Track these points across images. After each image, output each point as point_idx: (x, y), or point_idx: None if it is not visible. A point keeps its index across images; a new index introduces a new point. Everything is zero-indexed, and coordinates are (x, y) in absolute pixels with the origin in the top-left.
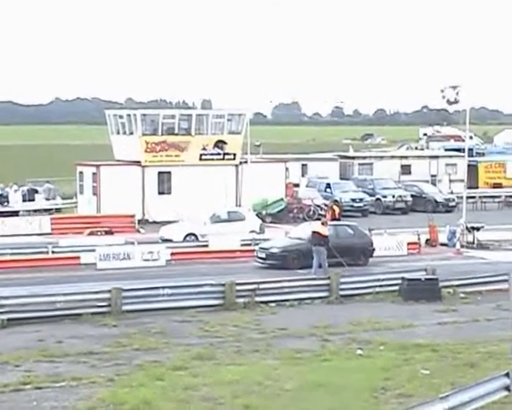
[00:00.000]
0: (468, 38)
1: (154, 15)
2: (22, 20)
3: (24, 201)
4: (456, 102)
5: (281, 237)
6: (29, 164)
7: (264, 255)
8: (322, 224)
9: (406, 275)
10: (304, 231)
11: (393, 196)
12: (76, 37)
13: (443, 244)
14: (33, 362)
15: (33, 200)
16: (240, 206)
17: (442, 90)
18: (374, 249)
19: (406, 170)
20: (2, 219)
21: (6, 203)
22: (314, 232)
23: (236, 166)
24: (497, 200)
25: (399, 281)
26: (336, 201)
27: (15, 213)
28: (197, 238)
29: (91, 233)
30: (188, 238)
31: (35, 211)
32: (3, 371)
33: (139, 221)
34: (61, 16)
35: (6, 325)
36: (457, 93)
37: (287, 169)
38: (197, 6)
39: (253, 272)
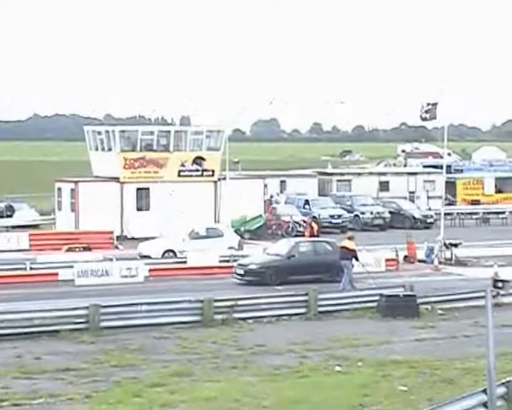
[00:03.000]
0: (446, 56)
1: (132, 33)
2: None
3: (1, 217)
4: (432, 118)
5: (259, 254)
6: (7, 180)
7: (242, 272)
8: (349, 239)
9: (384, 291)
10: (282, 247)
11: (371, 213)
12: (54, 53)
13: (421, 261)
14: (11, 379)
15: (11, 216)
16: (218, 222)
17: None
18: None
19: (384, 187)
20: None
21: None
22: (341, 247)
23: (215, 182)
24: (474, 217)
25: (377, 297)
26: (315, 217)
27: None
28: (175, 255)
29: (69, 249)
30: (166, 254)
31: (13, 227)
32: None
33: (117, 237)
34: (40, 33)
35: None
36: (432, 110)
37: (265, 186)
38: (174, 25)
39: (231, 288)
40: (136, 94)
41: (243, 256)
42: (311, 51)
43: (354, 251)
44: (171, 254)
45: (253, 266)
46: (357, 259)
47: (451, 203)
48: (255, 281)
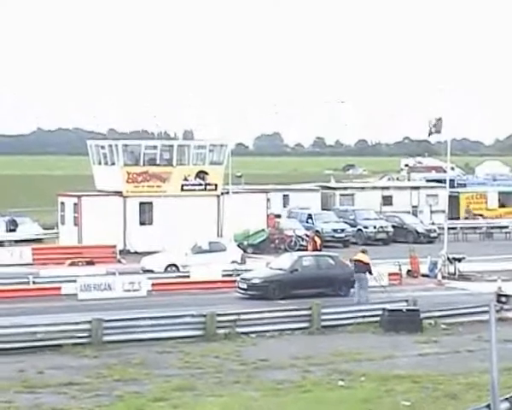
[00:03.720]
0: (449, 70)
1: (135, 48)
2: (3, 50)
3: (5, 231)
4: (437, 132)
5: (262, 268)
6: (10, 194)
7: (245, 286)
8: (363, 252)
9: (387, 306)
10: (285, 261)
11: (375, 227)
12: (58, 67)
13: (424, 275)
14: (14, 393)
15: (15, 230)
16: (221, 236)
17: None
18: (355, 280)
19: (387, 201)
20: None
21: None
22: (356, 260)
23: (218, 196)
24: (478, 231)
25: (380, 312)
26: (318, 232)
27: None
28: (178, 269)
29: (72, 264)
30: (169, 269)
31: (16, 241)
32: None
33: (120, 252)
34: (43, 47)
35: None
36: (437, 125)
37: (268, 200)
38: (175, 39)
39: (234, 302)
40: (140, 108)
41: (246, 270)
42: (312, 54)
43: (368, 264)
44: (173, 268)
45: (256, 281)
46: (370, 272)
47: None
48: (258, 295)
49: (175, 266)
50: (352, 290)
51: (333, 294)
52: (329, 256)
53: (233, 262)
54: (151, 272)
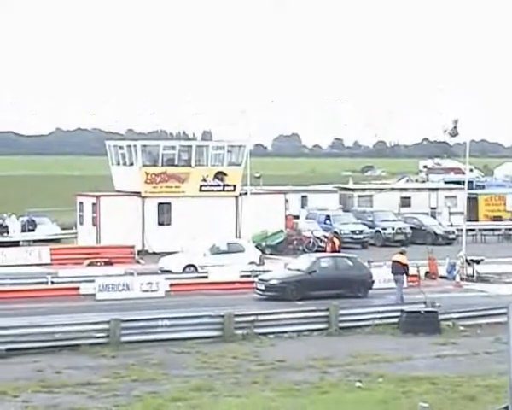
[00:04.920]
0: (469, 71)
1: (155, 48)
2: (24, 51)
3: (23, 231)
4: (456, 134)
5: (280, 269)
6: (29, 194)
7: (263, 287)
8: (401, 253)
9: (405, 308)
10: (303, 262)
11: (393, 229)
12: (77, 68)
13: (442, 277)
14: (32, 393)
15: (33, 230)
16: (240, 237)
17: (445, 129)
18: (373, 281)
19: (406, 202)
20: (2, 249)
21: (6, 233)
22: (394, 261)
23: (236, 197)
24: (496, 233)
25: (399, 313)
26: (336, 233)
27: (15, 244)
28: (196, 269)
29: (91, 264)
30: (187, 269)
31: (34, 241)
32: (1, 402)
33: (139, 252)
34: (63, 48)
35: (5, 356)
36: (456, 126)
37: (286, 201)
38: (195, 39)
39: (252, 303)
40: (158, 109)
41: (264, 271)
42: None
43: (406, 266)
44: (191, 268)
45: (274, 282)
46: (407, 274)
47: None
48: (276, 296)
49: (193, 266)
50: (369, 292)
51: (351, 295)
52: (347, 258)
53: (251, 263)
54: (169, 272)
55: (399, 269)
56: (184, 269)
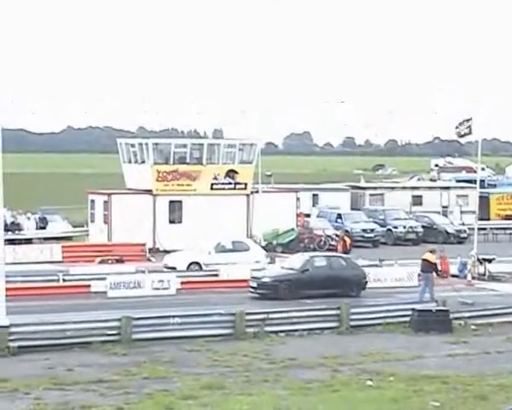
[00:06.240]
0: (480, 70)
1: (167, 45)
2: (35, 48)
3: (35, 228)
4: (468, 134)
5: (274, 267)
6: (40, 192)
7: (255, 285)
8: (431, 252)
9: (417, 306)
10: (296, 261)
11: (404, 227)
12: (88, 66)
13: (454, 276)
14: (43, 390)
15: (45, 228)
16: (251, 236)
17: (457, 127)
18: (366, 281)
19: (417, 201)
20: (14, 246)
21: (18, 231)
22: (423, 260)
23: (247, 195)
24: (508, 232)
25: (410, 312)
26: (347, 231)
27: (28, 241)
28: (201, 267)
29: (102, 261)
30: (191, 267)
31: (45, 239)
32: (13, 399)
33: (150, 250)
34: (75, 46)
35: (16, 353)
36: (469, 125)
37: (298, 199)
38: (208, 37)
39: (263, 301)
40: (169, 106)
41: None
42: (344, 65)
43: (435, 264)
44: (196, 266)
45: (266, 280)
46: (437, 272)
47: None
48: (268, 294)
49: (197, 264)
50: (362, 292)
51: (344, 295)
52: (341, 257)
53: (257, 262)
54: (173, 269)
55: (428, 267)
56: (189, 266)
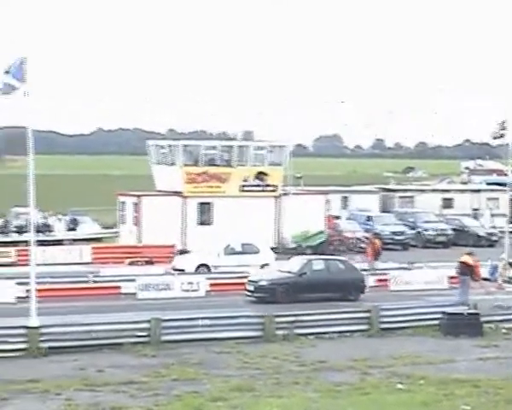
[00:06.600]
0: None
1: (197, 49)
2: (65, 52)
3: (66, 230)
4: (501, 136)
5: (271, 270)
6: (70, 193)
7: (252, 288)
8: (468, 254)
9: (447, 309)
10: (294, 264)
11: (435, 230)
12: (118, 68)
13: (485, 279)
14: (74, 391)
15: (74, 229)
16: (282, 238)
17: (494, 133)
18: (365, 285)
19: (448, 203)
20: (44, 247)
21: (49, 232)
22: (461, 262)
23: (277, 197)
24: None
25: (440, 315)
26: (377, 234)
27: (59, 242)
28: (209, 269)
29: (132, 263)
30: (200, 269)
31: (75, 240)
32: (44, 400)
33: (180, 252)
34: (104, 48)
35: (47, 354)
36: (504, 128)
37: (328, 201)
38: (237, 40)
39: (292, 304)
40: (199, 108)
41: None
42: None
43: (472, 267)
44: (204, 268)
45: (263, 283)
46: (474, 275)
47: None
48: (265, 298)
49: (206, 266)
50: (361, 295)
51: (341, 298)
52: (340, 260)
53: (265, 265)
54: (182, 271)
55: (465, 270)
56: (197, 269)
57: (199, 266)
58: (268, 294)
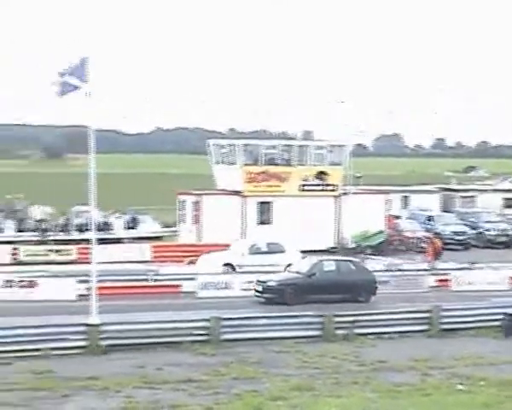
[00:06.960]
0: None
1: (256, 49)
2: (127, 52)
3: (126, 228)
4: None
5: (281, 271)
6: (130, 192)
7: (260, 289)
8: None
9: (509, 310)
10: (303, 265)
11: (496, 230)
12: (177, 67)
13: None
14: (133, 388)
15: (134, 228)
16: (342, 238)
17: None
18: (376, 287)
19: (509, 203)
20: (104, 246)
21: (109, 231)
22: None
23: (337, 197)
24: None
25: (501, 316)
26: (438, 234)
27: (118, 241)
28: (234, 269)
29: (191, 262)
30: (225, 269)
31: (134, 239)
32: (104, 397)
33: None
34: (165, 48)
35: (106, 351)
36: None
37: (389, 201)
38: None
39: (351, 304)
40: (259, 108)
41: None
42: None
43: None
44: (229, 268)
45: (271, 284)
46: None
47: None
48: (273, 299)
49: (231, 265)
50: (372, 297)
51: (351, 300)
52: (350, 261)
53: (290, 265)
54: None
55: None
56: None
57: (224, 266)
58: (276, 294)
